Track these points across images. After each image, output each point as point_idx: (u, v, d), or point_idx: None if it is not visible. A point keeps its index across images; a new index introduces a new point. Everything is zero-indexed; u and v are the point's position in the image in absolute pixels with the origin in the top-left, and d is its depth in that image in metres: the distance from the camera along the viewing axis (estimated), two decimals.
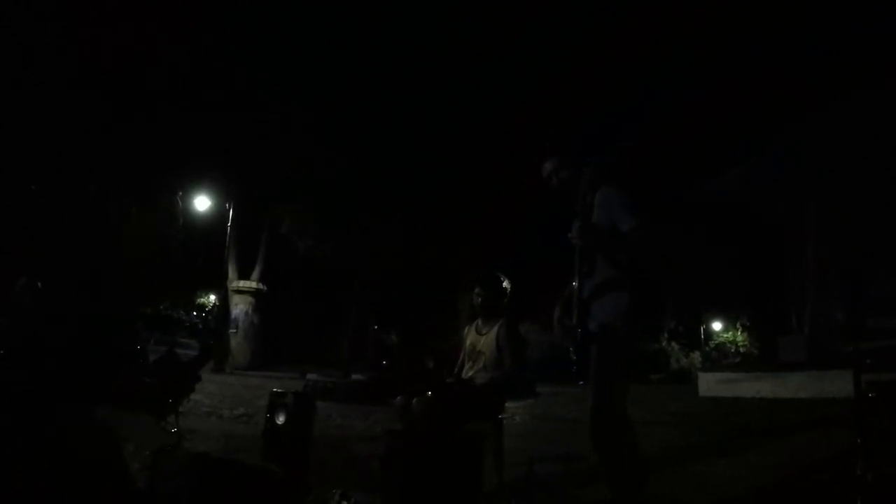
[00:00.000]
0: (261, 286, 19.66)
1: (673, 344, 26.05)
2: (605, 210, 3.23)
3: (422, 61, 13.19)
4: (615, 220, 3.18)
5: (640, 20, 13.06)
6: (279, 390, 4.55)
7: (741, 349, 28.13)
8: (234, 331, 18.77)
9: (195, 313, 29.70)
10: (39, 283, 2.14)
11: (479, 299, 4.61)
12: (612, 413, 3.12)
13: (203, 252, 17.20)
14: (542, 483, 3.99)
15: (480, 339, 4.51)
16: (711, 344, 29.78)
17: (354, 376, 13.39)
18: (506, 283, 4.57)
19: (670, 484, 4.26)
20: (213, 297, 25.54)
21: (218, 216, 17.81)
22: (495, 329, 4.44)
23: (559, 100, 13.48)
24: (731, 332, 29.70)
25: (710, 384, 11.38)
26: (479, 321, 4.61)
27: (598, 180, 3.27)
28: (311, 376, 12.80)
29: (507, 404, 4.55)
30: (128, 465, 1.84)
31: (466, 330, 4.72)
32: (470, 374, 4.48)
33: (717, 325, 30.60)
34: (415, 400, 4.00)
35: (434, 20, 13.31)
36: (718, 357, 27.65)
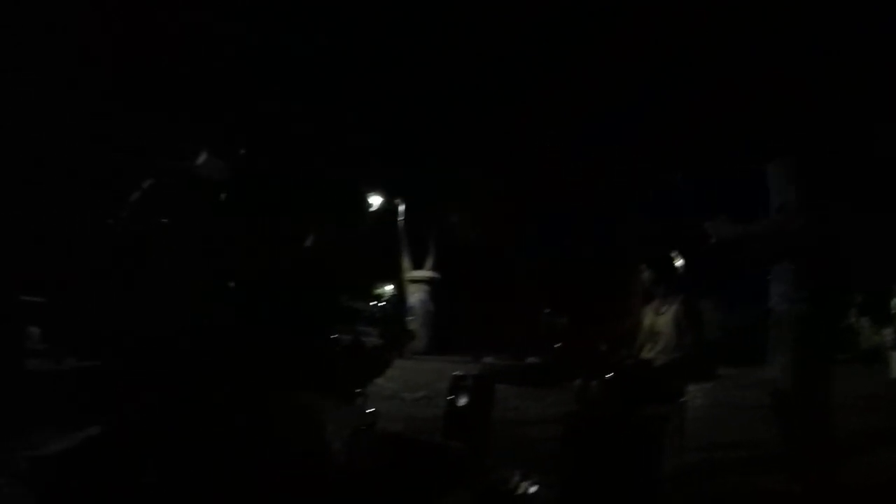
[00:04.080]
0: (434, 275, 20.37)
1: (863, 321, 23.38)
2: None
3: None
4: None
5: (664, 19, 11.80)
6: (459, 373, 4.70)
7: None
8: (412, 318, 19.62)
9: (373, 303, 31.35)
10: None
11: (647, 277, 4.51)
12: (800, 397, 3.00)
13: (379, 245, 18.18)
14: (722, 470, 3.83)
15: (659, 319, 4.41)
16: None
17: (529, 359, 13.45)
18: (677, 261, 4.43)
19: (860, 474, 3.88)
20: (389, 288, 26.81)
21: (389, 211, 18.77)
22: (673, 309, 4.32)
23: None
24: None
25: None
26: (657, 301, 4.51)
27: None
28: (486, 360, 13.05)
29: (686, 387, 4.42)
30: (329, 444, 2.02)
31: (645, 311, 4.63)
32: (649, 355, 4.39)
33: None
34: (593, 382, 3.99)
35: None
36: None
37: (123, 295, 3.03)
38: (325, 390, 2.12)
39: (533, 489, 3.32)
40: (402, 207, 19.02)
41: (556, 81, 13.23)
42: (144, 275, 3.01)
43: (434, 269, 20.47)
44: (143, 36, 10.39)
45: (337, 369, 2.16)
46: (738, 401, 8.80)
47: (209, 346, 2.45)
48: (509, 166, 15.32)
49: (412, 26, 12.63)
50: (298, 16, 11.93)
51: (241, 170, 3.56)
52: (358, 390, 2.43)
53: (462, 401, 4.43)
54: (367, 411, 2.18)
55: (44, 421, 3.82)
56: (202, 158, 3.48)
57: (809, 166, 3.15)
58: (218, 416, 2.05)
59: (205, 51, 11.52)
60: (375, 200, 18.05)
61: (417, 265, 20.49)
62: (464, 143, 14.87)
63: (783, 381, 3.03)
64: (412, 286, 20.32)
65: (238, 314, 2.42)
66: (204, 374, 2.21)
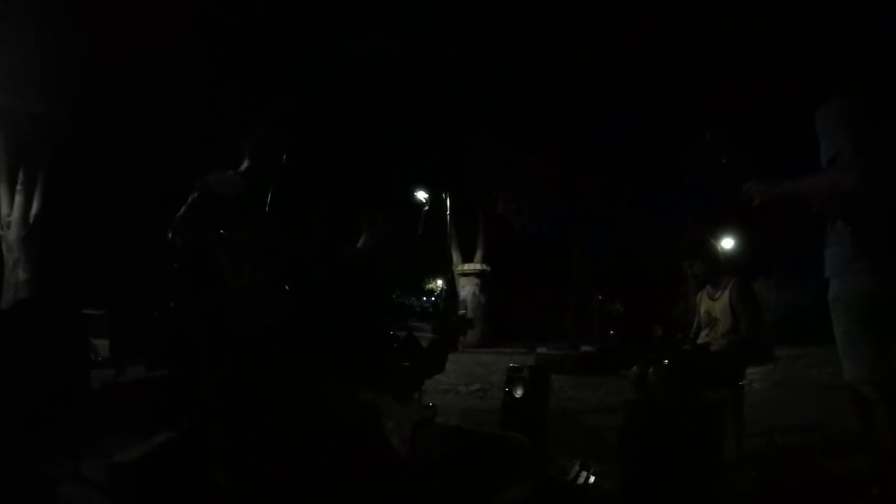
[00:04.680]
0: (484, 267, 20.40)
1: None
2: None
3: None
4: None
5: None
6: (515, 365, 4.71)
7: None
8: (464, 311, 19.67)
9: (425, 298, 31.57)
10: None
11: (696, 269, 4.46)
12: (862, 384, 2.66)
13: (428, 240, 18.31)
14: (784, 455, 3.73)
15: (714, 304, 4.35)
16: None
17: (583, 348, 13.40)
18: (722, 245, 4.37)
19: None
20: (440, 282, 26.98)
21: (435, 205, 18.87)
22: (727, 292, 4.26)
23: None
24: None
25: None
26: (710, 286, 4.46)
27: None
28: (540, 350, 13.04)
29: (744, 370, 4.36)
30: (390, 438, 2.08)
31: (699, 297, 4.58)
32: (706, 340, 4.35)
33: None
34: (651, 369, 3.97)
35: None
36: None
37: (189, 303, 3.15)
38: (382, 387, 2.17)
39: (592, 479, 3.33)
40: (448, 201, 19.09)
41: (586, 67, 13.13)
42: (207, 283, 3.13)
43: (484, 261, 20.50)
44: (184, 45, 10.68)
45: (393, 366, 2.22)
46: (799, 382, 8.58)
47: (271, 347, 2.55)
48: (556, 153, 15.28)
49: (454, 23, 12.68)
50: (345, 15, 12.10)
51: (286, 173, 3.66)
52: (415, 385, 2.48)
53: (518, 392, 4.45)
54: (427, 406, 2.23)
55: (109, 429, 3.99)
56: (244, 165, 3.58)
57: (865, 109, 2.67)
58: (285, 415, 2.14)
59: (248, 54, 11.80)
60: (424, 195, 18.17)
61: (467, 258, 20.54)
62: (510, 134, 14.89)
63: (849, 368, 2.69)
64: (462, 279, 20.38)
65: (295, 315, 2.49)
66: (268, 375, 2.29)
